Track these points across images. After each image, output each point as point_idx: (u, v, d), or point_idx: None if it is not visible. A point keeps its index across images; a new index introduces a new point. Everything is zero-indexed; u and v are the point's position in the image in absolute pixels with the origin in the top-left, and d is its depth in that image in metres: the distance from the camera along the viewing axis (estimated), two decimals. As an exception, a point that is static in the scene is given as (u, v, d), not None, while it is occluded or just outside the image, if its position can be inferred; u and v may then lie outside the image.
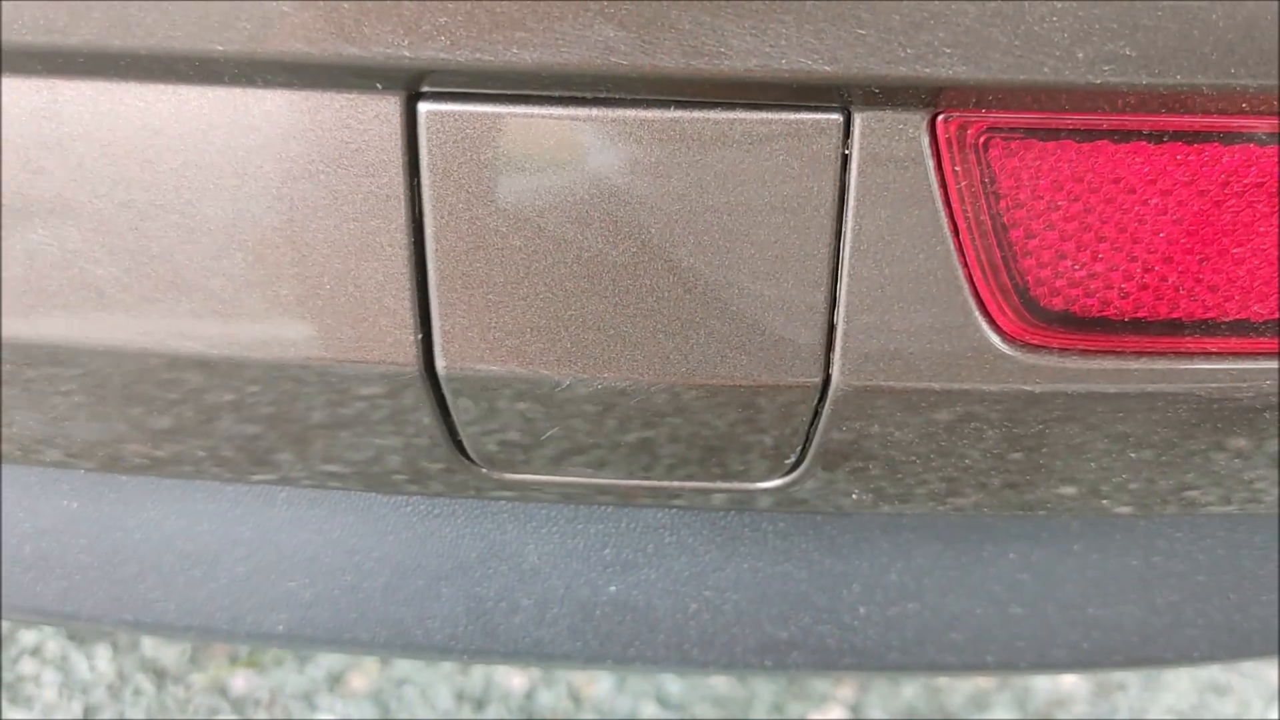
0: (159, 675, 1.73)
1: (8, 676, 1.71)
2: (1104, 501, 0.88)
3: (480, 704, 1.70)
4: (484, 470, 0.87)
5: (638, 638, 0.94)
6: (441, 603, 0.94)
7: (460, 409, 0.81)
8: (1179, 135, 0.69)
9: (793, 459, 0.84)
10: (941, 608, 0.94)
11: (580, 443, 0.83)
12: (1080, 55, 0.64)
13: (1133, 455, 0.82)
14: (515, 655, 0.94)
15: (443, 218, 0.72)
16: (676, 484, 0.87)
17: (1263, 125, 0.68)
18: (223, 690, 1.72)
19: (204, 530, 0.96)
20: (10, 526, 0.97)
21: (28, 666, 1.73)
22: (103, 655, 1.75)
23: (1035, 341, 0.75)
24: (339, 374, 0.78)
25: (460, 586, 0.94)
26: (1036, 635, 0.94)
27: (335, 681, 1.73)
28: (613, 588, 0.94)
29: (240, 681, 1.73)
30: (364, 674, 1.74)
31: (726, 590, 0.94)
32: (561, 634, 0.94)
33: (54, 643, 1.75)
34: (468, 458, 0.86)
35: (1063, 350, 0.75)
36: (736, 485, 0.86)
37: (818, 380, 0.77)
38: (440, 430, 0.82)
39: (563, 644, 0.94)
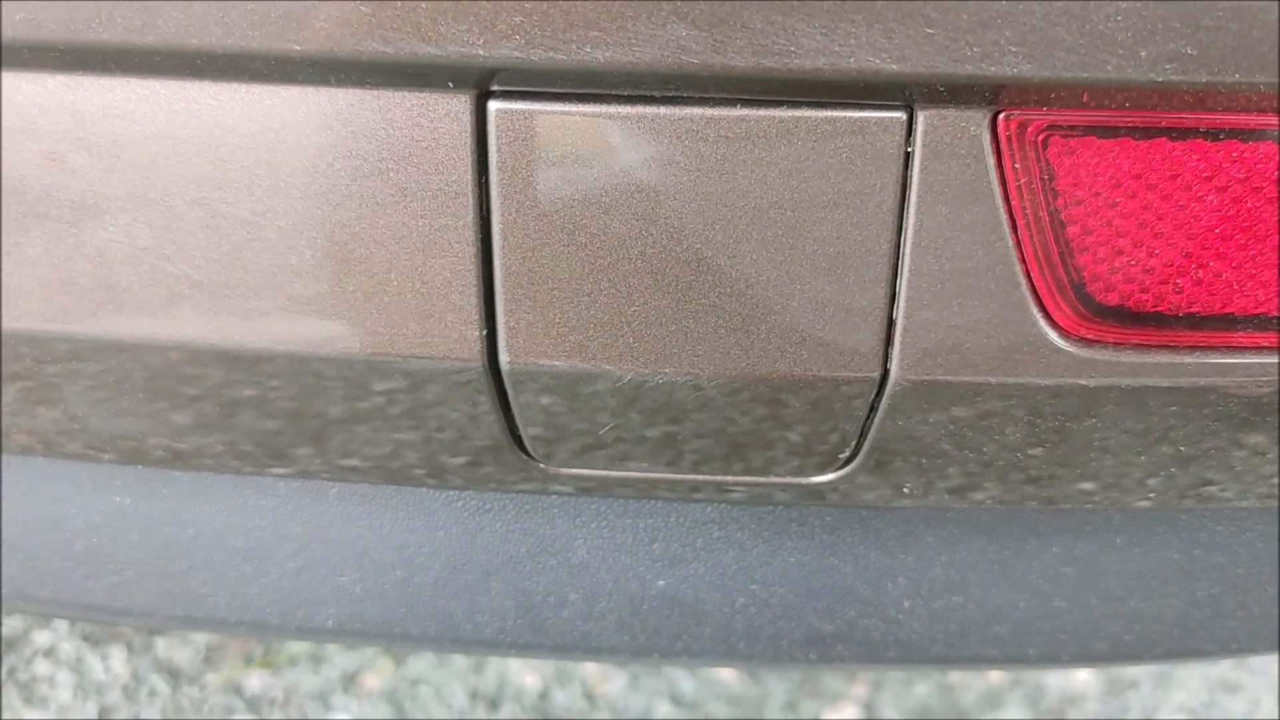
0: (174, 675, 1.73)
1: (22, 677, 1.71)
2: (1145, 494, 0.89)
3: (494, 703, 1.70)
4: (541, 465, 0.88)
5: (685, 631, 0.95)
6: (491, 597, 0.95)
7: (521, 404, 0.81)
8: (1236, 133, 0.70)
9: (847, 453, 0.85)
10: (985, 601, 0.95)
11: (638, 437, 0.84)
12: (1143, 54, 0.65)
13: (1182, 449, 0.83)
14: (563, 649, 0.95)
15: (510, 214, 0.73)
16: (731, 479, 0.87)
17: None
18: (238, 690, 1.72)
19: (255, 526, 0.97)
20: (62, 523, 0.97)
21: (42, 667, 1.72)
22: (117, 656, 1.74)
23: (1091, 336, 0.76)
24: (404, 369, 0.79)
25: (510, 581, 0.95)
26: (1079, 628, 0.95)
27: (350, 681, 1.73)
28: (661, 582, 0.95)
29: (255, 681, 1.73)
30: (378, 674, 1.74)
31: (773, 584, 0.95)
32: (609, 628, 0.94)
33: (68, 643, 1.75)
34: (526, 453, 0.87)
35: (1118, 345, 0.76)
36: (790, 480, 0.87)
37: (876, 375, 0.78)
38: (501, 425, 0.83)
39: (610, 638, 0.95)
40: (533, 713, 1.70)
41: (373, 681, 1.73)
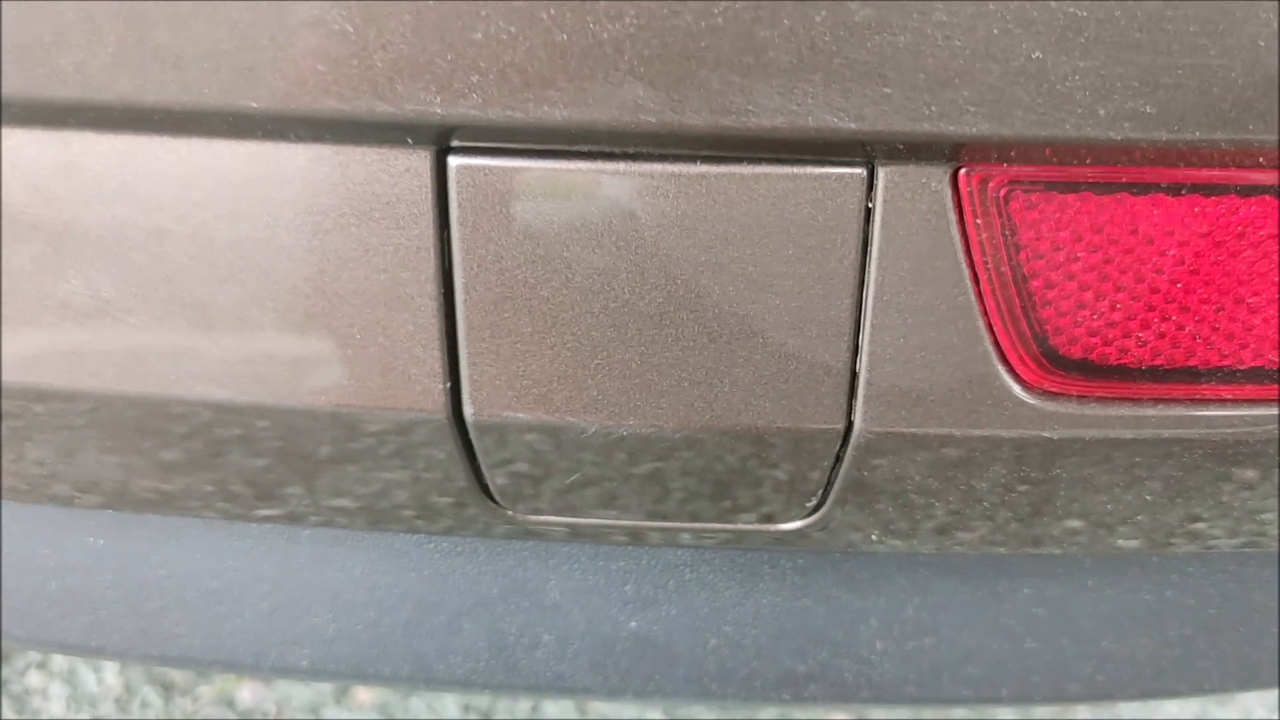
0: (166, 688, 1.75)
1: (15, 689, 1.72)
2: (1113, 540, 0.89)
3: (486, 715, 1.72)
4: (509, 512, 0.88)
5: (658, 672, 0.95)
6: (463, 638, 0.95)
7: (487, 454, 0.82)
8: (1196, 188, 0.70)
9: (814, 501, 0.85)
10: (957, 642, 0.95)
11: (604, 487, 0.84)
12: (1101, 112, 0.65)
13: (1147, 498, 0.83)
14: (536, 689, 0.95)
15: (472, 269, 0.73)
16: (698, 525, 0.87)
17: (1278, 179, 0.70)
18: (230, 703, 1.74)
19: (228, 567, 0.97)
20: (37, 563, 0.98)
21: (35, 680, 1.74)
22: (110, 668, 1.76)
23: (1054, 389, 0.76)
24: (369, 420, 0.79)
25: (482, 622, 0.95)
26: (1051, 669, 0.95)
27: (342, 694, 1.75)
28: (633, 623, 0.95)
29: (247, 694, 1.75)
30: (370, 686, 1.75)
31: (746, 625, 0.95)
32: (582, 668, 0.95)
33: (61, 656, 1.77)
34: (493, 500, 0.87)
35: (1081, 397, 0.76)
36: (758, 527, 0.87)
37: (840, 426, 0.78)
38: (467, 474, 0.84)
39: (583, 678, 0.95)
40: (524, 726, 1.71)
41: (364, 694, 1.75)
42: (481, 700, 1.73)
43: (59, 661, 1.76)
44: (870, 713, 1.72)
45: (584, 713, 1.73)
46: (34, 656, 1.76)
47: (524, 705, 1.72)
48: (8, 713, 1.69)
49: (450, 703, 1.72)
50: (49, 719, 1.69)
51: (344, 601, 0.96)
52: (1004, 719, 1.70)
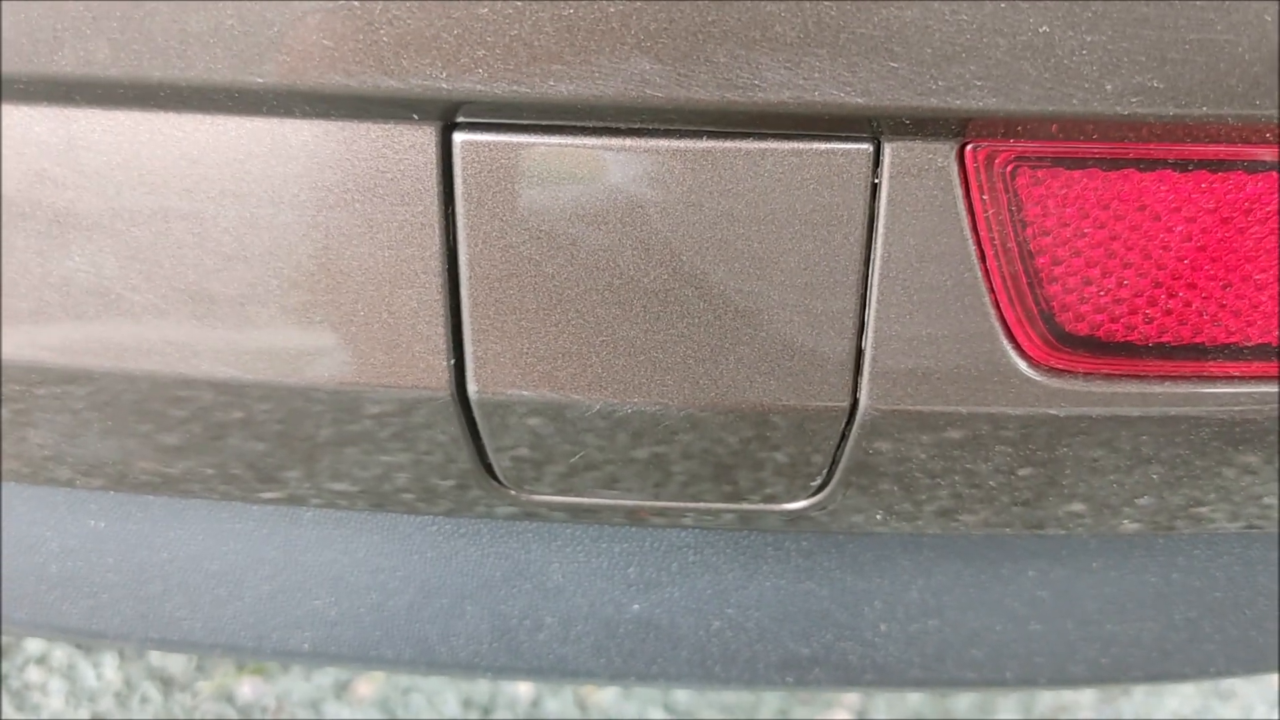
0: (166, 683, 1.74)
1: (14, 684, 1.71)
2: (1117, 521, 0.89)
3: (487, 710, 1.71)
4: (512, 492, 0.88)
5: (661, 655, 0.95)
6: (466, 621, 0.95)
7: (491, 432, 0.81)
8: (1204, 164, 0.70)
9: (819, 481, 0.85)
10: (962, 624, 0.95)
11: (608, 465, 0.84)
12: (1109, 87, 0.65)
13: (1152, 478, 0.83)
14: (539, 672, 0.95)
15: (476, 245, 0.73)
16: (703, 505, 0.87)
17: (1286, 154, 0.70)
18: (229, 698, 1.73)
19: (229, 549, 0.97)
20: (37, 546, 0.97)
21: (34, 674, 1.73)
22: (109, 663, 1.75)
23: (1060, 366, 0.76)
24: (373, 398, 0.79)
25: (485, 605, 0.95)
26: (1055, 651, 0.95)
27: (342, 689, 1.74)
28: (636, 606, 0.95)
29: (247, 689, 1.74)
30: (371, 681, 1.75)
31: (749, 608, 0.95)
32: (585, 651, 0.95)
33: (60, 651, 1.76)
34: (497, 480, 0.87)
35: (1087, 374, 0.76)
36: (762, 507, 0.87)
37: (845, 404, 0.78)
38: (471, 453, 0.83)
39: (586, 661, 0.95)
40: (525, 720, 1.70)
41: (365, 688, 1.74)
42: (482, 695, 1.72)
43: (58, 656, 1.76)
44: (874, 698, 1.72)
45: (584, 709, 1.72)
46: (33, 651, 1.75)
47: (524, 700, 1.72)
48: (7, 708, 1.68)
49: (451, 698, 1.72)
50: (49, 715, 1.68)
51: (346, 584, 0.96)
52: (1008, 718, 1.70)
